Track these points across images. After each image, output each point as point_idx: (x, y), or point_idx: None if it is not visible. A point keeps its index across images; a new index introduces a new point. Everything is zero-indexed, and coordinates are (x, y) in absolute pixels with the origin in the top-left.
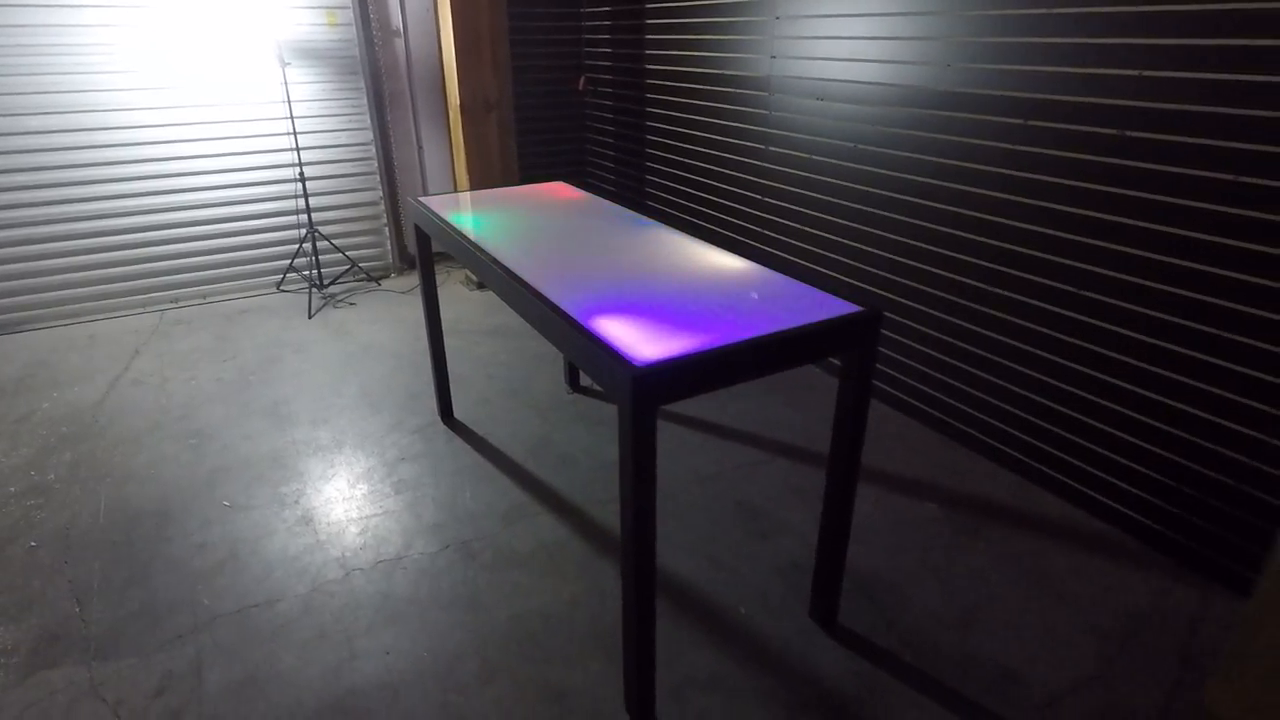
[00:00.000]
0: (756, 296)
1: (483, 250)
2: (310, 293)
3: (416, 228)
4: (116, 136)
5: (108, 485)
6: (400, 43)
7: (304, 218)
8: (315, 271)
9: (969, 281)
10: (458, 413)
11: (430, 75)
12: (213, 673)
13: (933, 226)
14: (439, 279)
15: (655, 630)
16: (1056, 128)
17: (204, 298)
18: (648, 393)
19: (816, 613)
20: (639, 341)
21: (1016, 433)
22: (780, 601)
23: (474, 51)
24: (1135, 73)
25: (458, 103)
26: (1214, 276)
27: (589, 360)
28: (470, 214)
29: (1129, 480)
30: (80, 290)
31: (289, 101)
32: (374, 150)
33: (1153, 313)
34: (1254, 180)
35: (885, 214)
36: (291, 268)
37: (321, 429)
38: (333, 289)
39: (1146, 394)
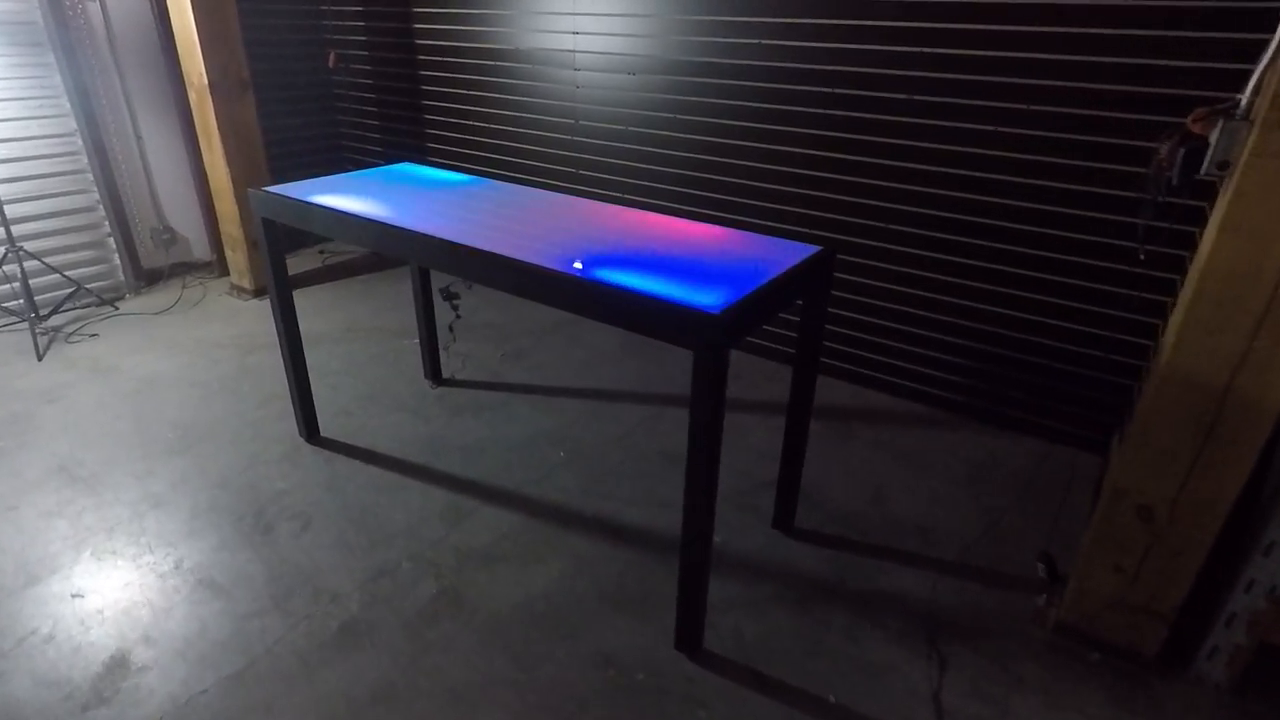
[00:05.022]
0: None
1: (452, 242)
2: (32, 329)
3: (265, 223)
4: None
5: None
6: (95, 8)
7: None
8: (27, 301)
9: (797, 229)
10: (323, 430)
11: (142, 50)
12: None
13: (759, 185)
14: (197, 294)
15: (709, 574)
16: (855, 94)
17: None
18: (724, 334)
19: (779, 522)
20: (689, 296)
21: (845, 349)
22: (741, 523)
23: (219, 20)
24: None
25: (204, 81)
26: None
27: (653, 322)
28: (380, 202)
29: (934, 371)
30: None
31: None
32: (81, 144)
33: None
34: (928, 121)
35: (702, 174)
36: None
37: (154, 481)
38: (55, 320)
39: (927, 313)
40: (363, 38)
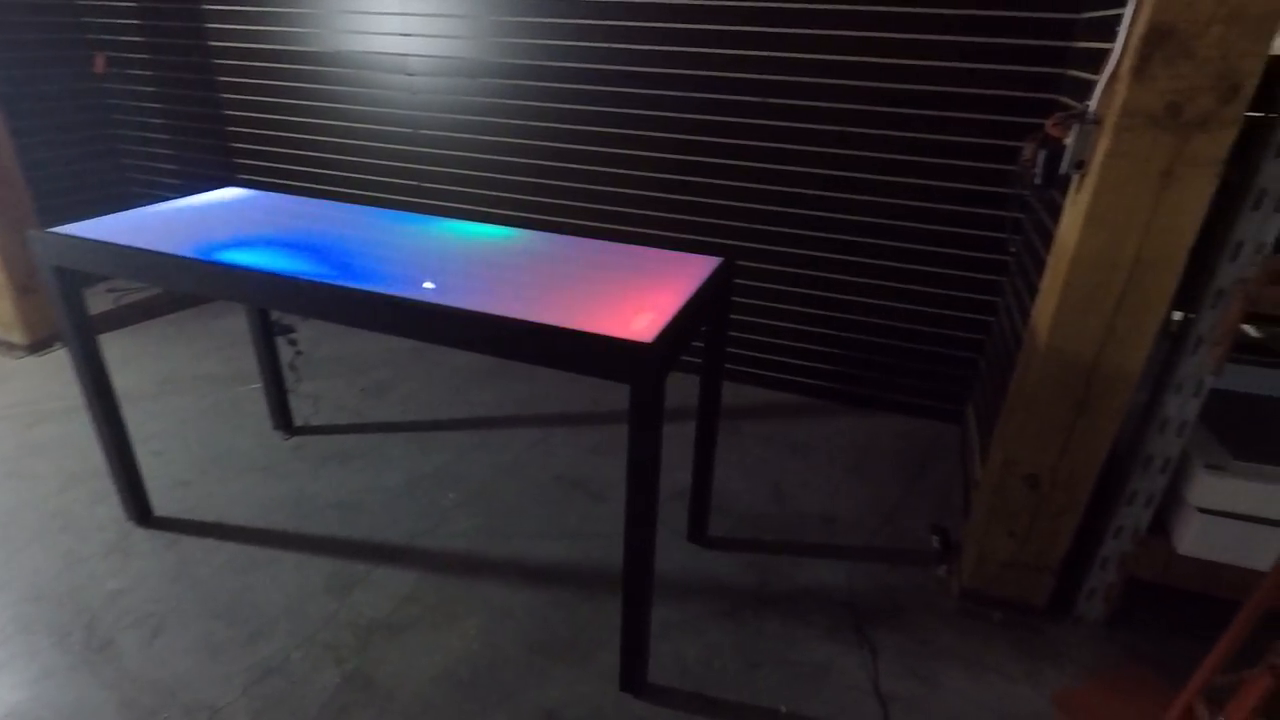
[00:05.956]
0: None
1: (336, 286)
2: None
3: (57, 272)
4: None
5: None
6: None
7: None
8: None
9: (657, 232)
10: (157, 508)
11: None
12: None
13: (616, 190)
14: None
15: (651, 611)
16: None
17: None
18: (660, 363)
19: (694, 535)
20: (612, 326)
21: None
22: (658, 542)
23: None
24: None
25: None
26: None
27: (584, 359)
28: (218, 239)
29: (802, 361)
30: None
31: None
32: None
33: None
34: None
35: (558, 182)
36: None
37: None
38: None
39: (789, 306)
40: (139, 38)
